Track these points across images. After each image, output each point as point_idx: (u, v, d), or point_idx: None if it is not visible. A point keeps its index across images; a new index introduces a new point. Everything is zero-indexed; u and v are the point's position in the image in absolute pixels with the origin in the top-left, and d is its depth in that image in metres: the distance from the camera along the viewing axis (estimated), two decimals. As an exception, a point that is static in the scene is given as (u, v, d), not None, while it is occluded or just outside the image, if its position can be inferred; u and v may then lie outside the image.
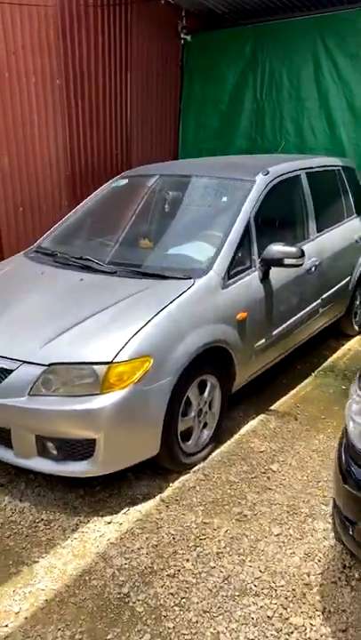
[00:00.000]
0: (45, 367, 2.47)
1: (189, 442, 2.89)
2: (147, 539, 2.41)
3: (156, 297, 2.79)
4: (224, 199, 3.52)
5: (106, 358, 2.45)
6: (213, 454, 3.03)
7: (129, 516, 2.56)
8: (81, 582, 2.19)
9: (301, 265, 3.25)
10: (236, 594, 2.13)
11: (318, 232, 3.94)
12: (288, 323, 3.56)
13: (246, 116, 6.70)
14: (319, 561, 2.29)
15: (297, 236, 3.76)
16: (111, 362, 2.44)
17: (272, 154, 5.94)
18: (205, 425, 3.00)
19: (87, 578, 2.21)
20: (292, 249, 3.14)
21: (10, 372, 2.52)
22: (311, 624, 2.01)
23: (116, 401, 2.42)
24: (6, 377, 2.52)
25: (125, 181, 4.03)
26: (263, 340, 3.30)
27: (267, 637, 1.96)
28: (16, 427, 2.54)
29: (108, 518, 2.54)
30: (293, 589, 2.15)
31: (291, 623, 2.01)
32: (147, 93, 6.42)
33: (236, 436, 3.23)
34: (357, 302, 4.69)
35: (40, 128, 5.17)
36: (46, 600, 2.11)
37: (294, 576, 2.21)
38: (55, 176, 5.45)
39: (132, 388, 2.46)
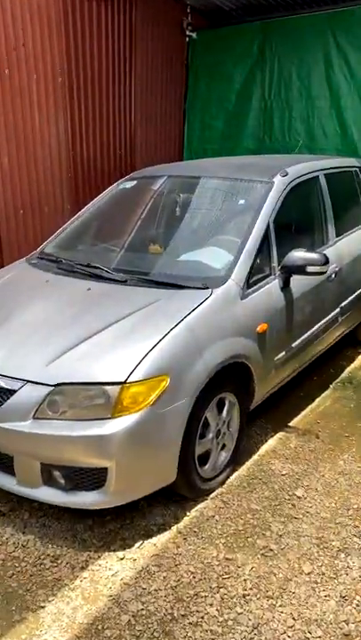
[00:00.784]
0: (52, 387, 2.23)
1: (206, 466, 2.66)
2: (164, 578, 2.18)
3: (171, 308, 2.55)
4: (240, 202, 3.28)
5: (119, 378, 2.21)
6: (232, 478, 2.81)
7: (144, 551, 2.33)
8: (93, 632, 1.96)
9: (325, 273, 3.03)
10: (268, 645, 1.91)
11: (337, 236, 3.71)
12: (308, 333, 3.34)
13: (254, 116, 6.44)
14: (357, 605, 2.06)
15: (316, 241, 3.54)
16: (124, 382, 2.20)
17: (283, 154, 5.71)
18: (223, 446, 2.78)
19: (100, 627, 1.98)
20: (316, 255, 2.92)
21: (12, 392, 2.27)
22: None
23: (129, 425, 2.19)
24: (8, 398, 2.28)
25: (134, 183, 3.79)
26: (283, 353, 3.08)
27: None
28: (19, 453, 2.30)
29: (120, 553, 2.31)
30: (331, 640, 1.93)
31: None
32: (151, 92, 6.19)
33: (255, 457, 3.00)
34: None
35: (41, 127, 4.93)
36: (54, 653, 1.89)
37: (331, 624, 1.98)
38: (57, 177, 5.20)
39: (147, 410, 2.22)
